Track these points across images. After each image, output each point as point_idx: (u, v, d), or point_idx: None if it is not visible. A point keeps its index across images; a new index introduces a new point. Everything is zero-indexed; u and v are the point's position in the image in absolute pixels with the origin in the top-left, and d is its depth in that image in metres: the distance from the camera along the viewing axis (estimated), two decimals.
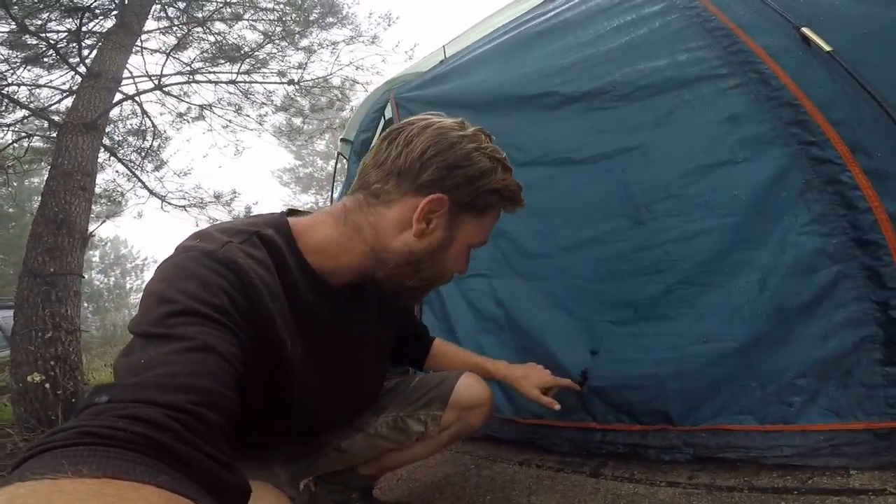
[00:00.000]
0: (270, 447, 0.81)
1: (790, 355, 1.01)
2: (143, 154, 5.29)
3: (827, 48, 1.03)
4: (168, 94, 4.90)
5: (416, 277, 0.70)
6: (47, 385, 3.32)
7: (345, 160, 2.33)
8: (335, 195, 2.73)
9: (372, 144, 0.77)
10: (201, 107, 5.35)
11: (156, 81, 4.79)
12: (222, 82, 5.21)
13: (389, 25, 6.04)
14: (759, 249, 1.07)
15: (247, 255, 0.58)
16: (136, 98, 4.72)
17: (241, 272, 0.55)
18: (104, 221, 4.90)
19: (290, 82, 5.12)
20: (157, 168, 5.74)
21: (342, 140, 2.37)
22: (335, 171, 2.61)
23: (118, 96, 4.45)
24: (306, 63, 5.35)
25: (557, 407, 1.08)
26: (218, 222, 0.69)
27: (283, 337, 0.61)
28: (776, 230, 1.05)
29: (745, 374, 1.05)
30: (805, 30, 1.08)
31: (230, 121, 5.50)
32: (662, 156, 1.24)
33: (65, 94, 4.79)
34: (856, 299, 0.96)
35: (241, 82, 5.19)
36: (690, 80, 1.25)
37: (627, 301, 1.23)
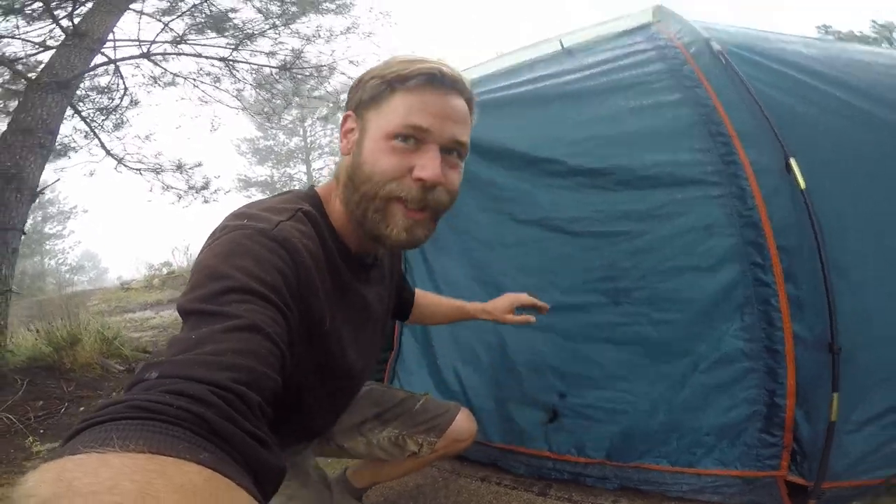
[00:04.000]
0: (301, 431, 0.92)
1: (704, 419, 1.40)
2: (106, 113, 5.11)
3: (802, 185, 1.27)
4: (155, 63, 4.80)
5: (354, 189, 0.70)
6: None
7: None
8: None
9: None
10: (177, 75, 5.25)
11: (144, 49, 4.69)
12: (212, 57, 5.17)
13: (388, 23, 6.20)
14: (700, 342, 1.41)
15: (298, 231, 0.64)
16: (117, 64, 4.60)
17: (295, 249, 0.60)
18: (58, 180, 4.65)
19: (283, 67, 5.16)
20: (116, 127, 5.53)
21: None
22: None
23: (98, 59, 4.34)
24: (301, 51, 5.41)
25: (533, 320, 1.27)
26: (253, 201, 0.73)
27: (324, 313, 0.67)
28: (716, 331, 1.40)
29: (670, 428, 1.42)
30: (792, 161, 1.30)
31: (207, 94, 5.42)
32: (646, 247, 1.49)
33: (39, 49, 4.57)
34: (755, 386, 1.35)
35: (230, 60, 5.16)
36: (685, 182, 1.46)
37: (598, 361, 1.53)
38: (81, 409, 3.29)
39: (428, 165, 0.66)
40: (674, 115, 1.54)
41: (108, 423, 0.34)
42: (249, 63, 5.22)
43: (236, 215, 0.65)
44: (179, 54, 5.02)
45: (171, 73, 5.02)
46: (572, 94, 1.75)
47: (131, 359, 4.32)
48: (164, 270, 11.57)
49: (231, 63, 5.25)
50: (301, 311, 0.60)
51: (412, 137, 0.67)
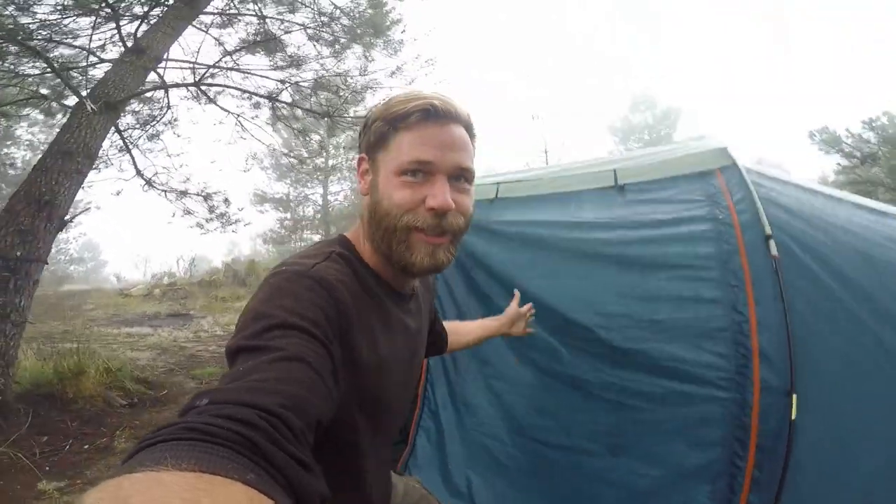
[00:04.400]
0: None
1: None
2: (146, 133, 5.01)
3: (793, 416, 1.35)
4: (204, 94, 4.71)
5: (375, 225, 0.74)
6: None
7: None
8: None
9: None
10: (221, 107, 5.15)
11: (194, 71, 4.61)
12: (258, 95, 5.08)
13: (430, 73, 6.16)
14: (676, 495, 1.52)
15: (334, 270, 0.69)
16: (167, 89, 4.51)
17: (331, 286, 0.64)
18: (87, 209, 4.49)
19: (325, 115, 5.08)
20: (151, 140, 5.44)
21: None
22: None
23: (151, 78, 4.25)
24: (345, 99, 5.34)
25: (532, 332, 1.48)
26: (295, 253, 0.80)
27: (364, 345, 0.69)
28: (691, 490, 1.50)
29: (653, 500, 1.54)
30: (794, 396, 1.37)
31: (245, 127, 5.32)
32: (648, 420, 1.60)
33: (95, 61, 4.48)
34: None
35: (275, 99, 5.08)
36: (698, 380, 1.52)
37: (592, 496, 1.65)
38: (86, 446, 3.18)
39: (438, 195, 0.71)
40: (709, 314, 1.56)
41: (164, 444, 0.36)
42: (293, 106, 5.15)
43: (279, 265, 0.70)
44: (227, 87, 4.95)
45: (218, 105, 4.93)
46: (617, 260, 1.75)
47: (133, 392, 4.17)
48: (166, 280, 11.31)
49: (274, 103, 5.17)
50: (343, 344, 0.63)
51: (419, 171, 0.72)
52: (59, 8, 4.18)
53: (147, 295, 10.33)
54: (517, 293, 1.48)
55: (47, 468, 2.85)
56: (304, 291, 0.61)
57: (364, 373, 0.68)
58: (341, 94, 5.41)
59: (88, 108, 3.17)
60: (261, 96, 5.09)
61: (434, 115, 0.72)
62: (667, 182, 1.84)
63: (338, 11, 5.65)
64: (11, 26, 3.98)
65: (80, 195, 3.97)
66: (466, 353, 2.00)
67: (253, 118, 5.37)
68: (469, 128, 0.78)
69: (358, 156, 0.80)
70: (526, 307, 1.45)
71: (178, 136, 5.39)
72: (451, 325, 1.29)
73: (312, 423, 0.48)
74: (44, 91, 4.70)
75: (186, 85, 4.68)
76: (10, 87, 4.38)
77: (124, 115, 5.14)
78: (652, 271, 1.67)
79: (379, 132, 0.75)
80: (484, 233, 2.04)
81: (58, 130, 3.82)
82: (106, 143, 5.15)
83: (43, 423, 3.31)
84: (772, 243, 1.49)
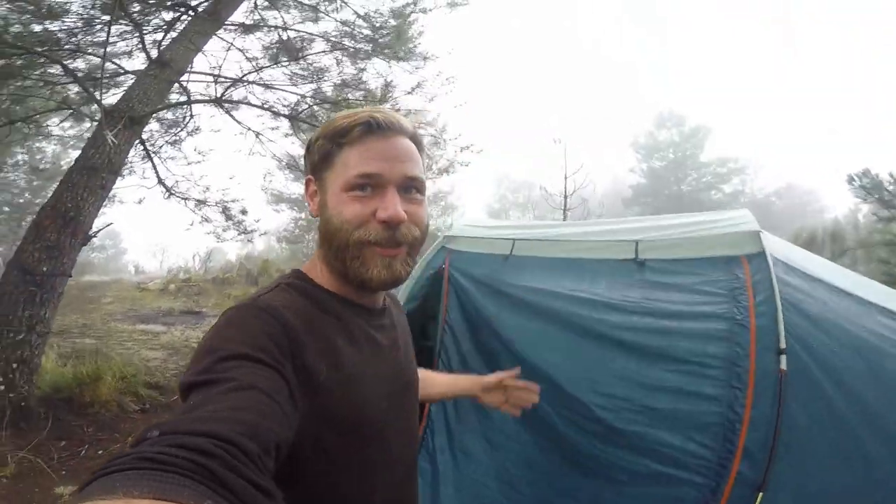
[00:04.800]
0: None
1: None
2: (170, 141, 5.11)
3: None
4: (226, 111, 4.78)
5: (328, 243, 0.73)
6: (2, 387, 3.13)
7: None
8: None
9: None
10: (240, 123, 5.22)
11: (216, 83, 4.66)
12: (278, 113, 5.14)
13: (451, 91, 6.11)
14: None
15: (280, 298, 0.69)
16: (191, 104, 4.60)
17: (276, 312, 0.64)
18: (111, 224, 4.62)
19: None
20: (173, 146, 5.53)
21: None
22: None
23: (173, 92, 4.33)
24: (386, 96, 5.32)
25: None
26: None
27: (322, 366, 0.66)
28: None
29: None
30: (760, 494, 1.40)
31: (265, 144, 5.39)
32: (629, 485, 1.63)
33: (118, 73, 4.56)
34: None
35: (294, 118, 5.13)
36: (680, 465, 1.55)
37: None
38: (100, 451, 3.32)
39: (388, 206, 0.70)
40: (706, 409, 1.57)
41: (116, 474, 0.35)
42: (309, 123, 5.18)
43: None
44: (248, 104, 5.01)
45: (237, 121, 4.99)
46: (627, 346, 1.74)
47: (145, 397, 4.31)
48: (182, 276, 11.51)
49: (295, 120, 5.21)
50: (297, 368, 0.61)
51: (367, 185, 0.71)
52: (84, 17, 4.27)
53: (163, 290, 10.54)
54: (517, 370, 1.38)
55: (64, 472, 2.99)
56: (250, 321, 0.62)
57: (327, 392, 0.66)
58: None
59: (109, 140, 3.26)
60: (281, 115, 5.14)
61: (377, 127, 0.72)
62: (689, 264, 1.82)
63: (360, 21, 5.67)
64: (40, 37, 4.08)
65: (107, 224, 4.04)
66: (469, 405, 2.04)
67: (273, 129, 5.43)
68: (415, 139, 0.78)
69: (305, 178, 0.78)
70: (510, 382, 1.26)
71: (197, 151, 5.48)
72: (421, 374, 1.22)
73: (271, 448, 0.47)
74: (70, 96, 4.80)
75: (207, 101, 4.74)
76: (36, 97, 4.50)
77: (149, 123, 5.24)
78: (658, 361, 1.67)
79: (323, 151, 0.74)
80: (495, 294, 2.06)
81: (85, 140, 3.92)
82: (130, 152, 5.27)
83: (61, 427, 3.45)
84: (783, 358, 1.49)
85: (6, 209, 13.68)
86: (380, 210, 0.70)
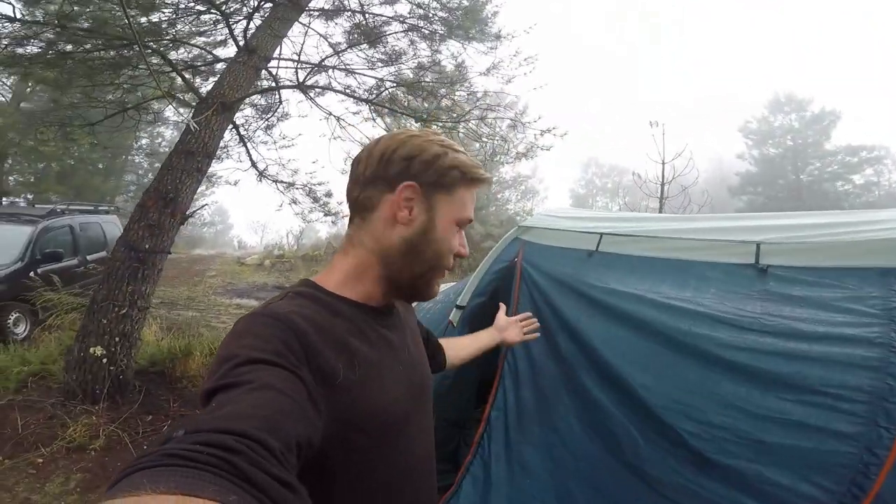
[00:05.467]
0: None
1: None
2: (263, 125, 5.36)
3: None
4: (308, 97, 4.90)
5: (419, 261, 0.78)
6: (105, 360, 3.41)
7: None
8: None
9: None
10: (322, 109, 5.31)
11: (297, 71, 4.76)
12: (357, 97, 5.16)
13: (530, 72, 5.75)
14: None
15: (289, 304, 0.71)
16: (280, 90, 4.75)
17: (287, 319, 0.65)
18: (205, 206, 4.96)
19: (420, 119, 5.02)
20: (268, 131, 5.80)
21: (456, 306, 2.19)
22: None
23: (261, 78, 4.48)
24: (440, 101, 5.21)
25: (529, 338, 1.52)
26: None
27: (338, 366, 0.68)
28: None
29: None
30: None
31: (347, 129, 5.44)
32: None
33: (210, 61, 4.82)
34: None
35: (373, 102, 5.12)
36: None
37: None
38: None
39: (466, 246, 0.84)
40: (834, 448, 1.25)
41: (143, 471, 0.36)
42: (388, 108, 5.13)
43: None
44: (330, 89, 5.07)
45: (319, 106, 5.07)
46: (737, 368, 1.41)
47: None
48: (276, 252, 12.33)
49: (375, 104, 5.20)
50: (313, 370, 0.63)
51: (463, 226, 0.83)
52: (177, 9, 4.53)
53: (259, 265, 11.37)
54: (502, 306, 1.52)
55: (145, 447, 3.15)
56: (262, 329, 0.63)
57: (346, 392, 0.67)
58: (437, 94, 5.30)
59: (192, 126, 3.42)
60: (362, 99, 5.15)
61: (486, 185, 0.84)
62: (829, 274, 1.44)
63: (434, 2, 5.51)
64: (144, 28, 4.39)
65: (202, 205, 4.31)
66: (533, 416, 1.84)
67: (355, 114, 5.48)
68: None
69: (406, 182, 0.77)
70: (519, 316, 1.53)
71: (281, 135, 5.69)
72: (445, 342, 1.30)
73: (292, 444, 0.49)
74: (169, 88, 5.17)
75: (292, 87, 4.86)
76: (147, 86, 4.90)
77: (243, 109, 5.52)
78: (776, 389, 1.35)
79: (449, 176, 0.78)
80: (576, 295, 1.80)
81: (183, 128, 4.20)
82: (226, 136, 5.60)
83: (151, 401, 3.71)
84: None
85: (133, 188, 15.56)
86: (462, 248, 0.83)
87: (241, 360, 0.57)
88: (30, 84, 8.98)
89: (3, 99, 10.56)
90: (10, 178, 11.40)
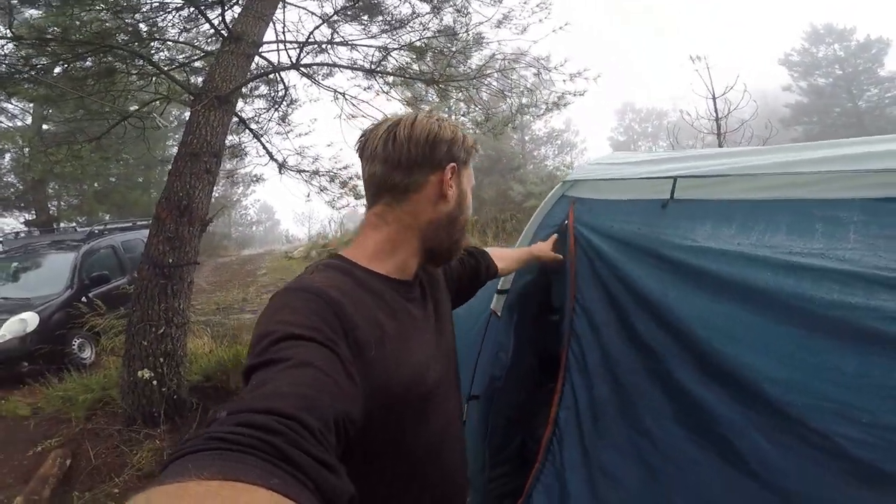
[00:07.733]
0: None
1: None
2: (274, 120, 5.12)
3: None
4: (305, 75, 4.53)
5: (457, 229, 0.89)
6: (154, 382, 3.37)
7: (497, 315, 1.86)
8: None
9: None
10: (327, 88, 4.94)
11: (293, 52, 4.44)
12: (357, 68, 4.75)
13: (545, 18, 5.08)
14: None
15: (321, 278, 0.73)
16: (278, 73, 4.43)
17: (322, 293, 0.67)
18: (223, 207, 4.82)
19: (431, 81, 4.54)
20: (281, 122, 5.58)
21: (498, 292, 1.86)
22: None
23: (254, 65, 4.18)
24: (450, 61, 4.70)
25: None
26: None
27: (372, 339, 0.70)
28: None
29: None
30: None
31: (355, 105, 5.07)
32: None
33: (197, 55, 4.55)
34: None
35: (377, 71, 4.69)
36: None
37: None
38: None
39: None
40: None
41: (189, 455, 0.38)
42: (395, 75, 4.68)
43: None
44: (327, 65, 4.68)
45: (322, 85, 4.71)
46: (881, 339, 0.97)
47: None
48: (321, 242, 12.40)
49: (376, 74, 4.78)
50: (349, 344, 0.64)
51: None
52: (154, 7, 4.25)
53: (305, 257, 11.46)
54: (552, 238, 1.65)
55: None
56: (299, 304, 0.65)
57: (378, 366, 0.69)
58: (446, 54, 4.79)
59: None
60: (366, 70, 4.73)
61: None
62: None
63: None
64: (120, 31, 4.16)
65: (220, 207, 4.16)
66: (614, 415, 1.45)
67: (366, 89, 5.10)
68: None
69: (450, 165, 0.85)
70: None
71: (290, 123, 5.42)
72: (493, 252, 1.39)
73: (329, 422, 0.50)
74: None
75: (287, 68, 4.52)
76: (145, 91, 4.72)
77: (251, 103, 5.26)
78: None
79: (468, 154, 0.90)
80: (651, 261, 1.38)
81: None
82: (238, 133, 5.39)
83: (207, 417, 3.67)
84: None
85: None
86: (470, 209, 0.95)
87: (277, 335, 0.58)
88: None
89: (23, 123, 10.90)
90: (53, 203, 11.88)
